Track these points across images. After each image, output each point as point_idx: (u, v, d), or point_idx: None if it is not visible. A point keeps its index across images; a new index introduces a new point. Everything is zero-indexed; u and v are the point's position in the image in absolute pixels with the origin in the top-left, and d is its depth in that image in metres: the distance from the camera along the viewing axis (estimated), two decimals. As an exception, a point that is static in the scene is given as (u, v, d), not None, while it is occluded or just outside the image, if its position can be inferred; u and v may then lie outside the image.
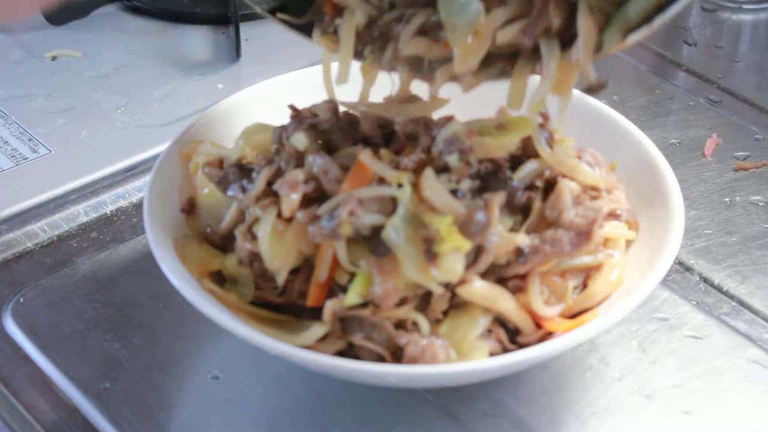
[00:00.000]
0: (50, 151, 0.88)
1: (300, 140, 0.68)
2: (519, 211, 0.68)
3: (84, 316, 0.74)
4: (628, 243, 0.71)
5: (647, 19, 0.63)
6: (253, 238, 0.67)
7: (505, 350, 0.66)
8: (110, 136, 0.90)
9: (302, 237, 0.65)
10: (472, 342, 0.65)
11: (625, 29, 0.64)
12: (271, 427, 0.67)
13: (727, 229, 0.82)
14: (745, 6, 1.10)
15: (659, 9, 0.63)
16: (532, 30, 0.65)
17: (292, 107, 0.72)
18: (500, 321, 0.66)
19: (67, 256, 0.79)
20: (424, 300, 0.65)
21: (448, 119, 0.69)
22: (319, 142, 0.70)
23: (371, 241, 0.64)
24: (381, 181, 0.65)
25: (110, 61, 1.00)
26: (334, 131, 0.70)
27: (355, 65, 0.70)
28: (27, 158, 0.87)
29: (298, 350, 0.63)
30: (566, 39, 0.65)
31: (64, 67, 0.99)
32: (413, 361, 0.63)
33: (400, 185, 0.64)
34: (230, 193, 0.69)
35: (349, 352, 0.66)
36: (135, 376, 0.70)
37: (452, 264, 0.63)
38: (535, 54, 0.67)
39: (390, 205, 0.64)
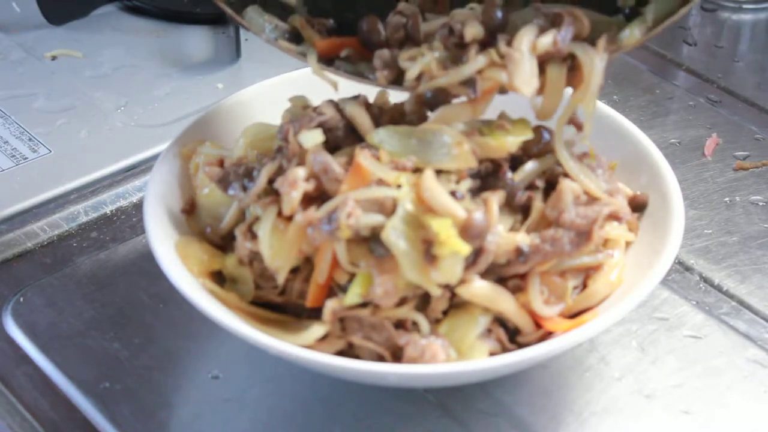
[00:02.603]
0: (50, 151, 0.88)
1: (312, 138, 0.67)
2: (519, 210, 0.68)
3: (84, 316, 0.74)
4: (628, 244, 0.71)
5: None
6: (254, 237, 0.67)
7: (505, 350, 0.66)
8: (110, 135, 0.90)
9: (303, 236, 0.65)
10: (472, 342, 0.65)
11: (646, 29, 0.67)
12: (270, 427, 0.67)
13: (727, 229, 0.82)
14: (745, 6, 1.10)
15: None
16: (565, 36, 0.66)
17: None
18: (500, 321, 0.66)
19: (67, 256, 0.79)
20: (424, 300, 0.65)
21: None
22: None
23: (371, 242, 0.64)
24: (381, 181, 0.65)
25: (110, 61, 0.99)
26: (338, 129, 0.70)
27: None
28: (27, 158, 0.87)
29: (298, 350, 0.63)
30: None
31: (64, 67, 0.99)
32: (413, 360, 0.63)
33: (399, 186, 0.64)
34: (231, 192, 0.69)
35: (349, 352, 0.66)
36: (135, 376, 0.70)
37: (451, 266, 0.62)
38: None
39: (390, 205, 0.64)
